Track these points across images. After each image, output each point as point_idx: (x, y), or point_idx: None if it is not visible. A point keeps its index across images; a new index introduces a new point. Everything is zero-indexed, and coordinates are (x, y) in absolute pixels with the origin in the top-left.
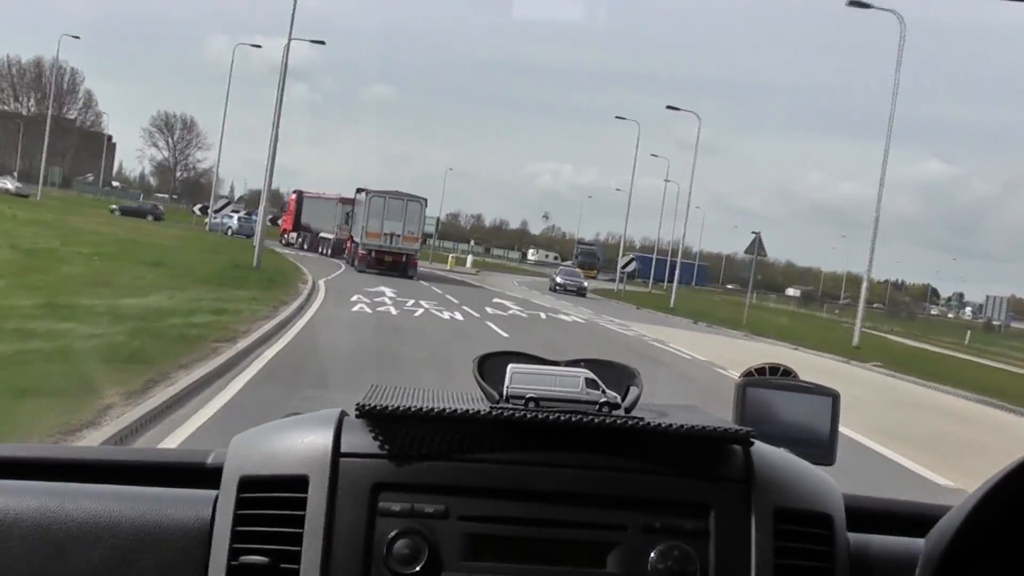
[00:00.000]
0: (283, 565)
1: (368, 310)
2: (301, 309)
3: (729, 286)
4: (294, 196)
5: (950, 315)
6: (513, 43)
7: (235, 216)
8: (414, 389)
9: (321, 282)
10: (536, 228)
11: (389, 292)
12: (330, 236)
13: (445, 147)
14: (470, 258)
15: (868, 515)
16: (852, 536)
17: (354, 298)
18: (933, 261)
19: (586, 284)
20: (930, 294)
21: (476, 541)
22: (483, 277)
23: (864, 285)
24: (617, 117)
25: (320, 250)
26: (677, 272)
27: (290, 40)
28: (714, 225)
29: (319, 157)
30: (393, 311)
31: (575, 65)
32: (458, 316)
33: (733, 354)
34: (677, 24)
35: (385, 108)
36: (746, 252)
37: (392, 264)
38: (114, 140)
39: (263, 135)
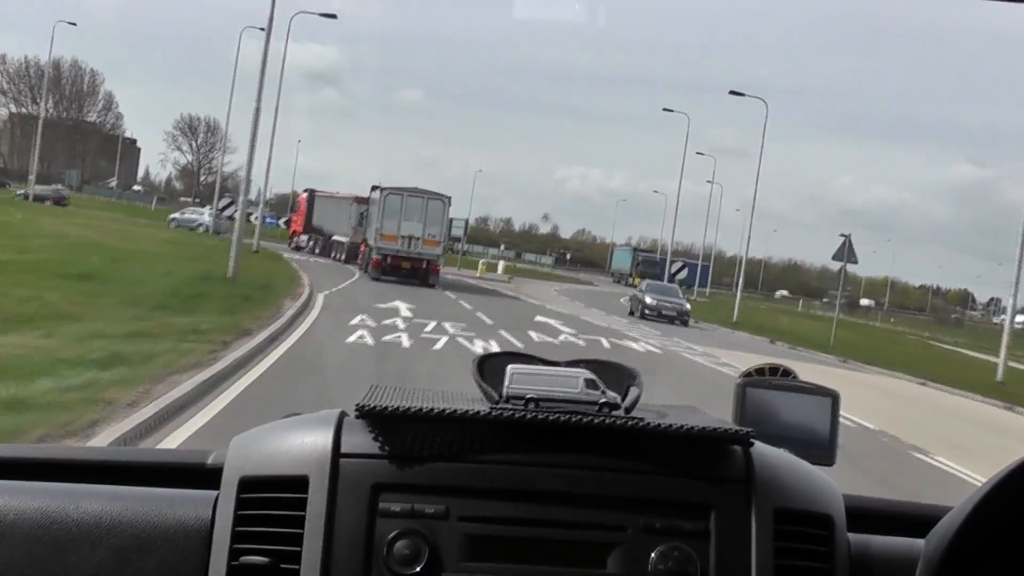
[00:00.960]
0: (283, 565)
1: (369, 340)
2: (272, 342)
3: (781, 293)
4: (305, 195)
5: (995, 320)
6: (542, 47)
7: (205, 212)
8: (414, 390)
9: (320, 296)
10: (567, 232)
11: (404, 309)
12: (344, 239)
13: (474, 150)
14: (501, 264)
15: (868, 516)
16: (852, 537)
17: (356, 320)
18: (968, 266)
19: (687, 307)
20: (969, 300)
21: (476, 542)
22: (517, 285)
23: (1010, 304)
24: (665, 110)
25: (333, 255)
26: (740, 281)
27: (293, 19)
28: (744, 228)
29: (348, 161)
30: (405, 341)
31: (605, 69)
32: (494, 347)
33: (893, 410)
34: (706, 29)
35: (414, 112)
36: (834, 258)
37: (411, 271)
38: (139, 145)
39: (292, 140)
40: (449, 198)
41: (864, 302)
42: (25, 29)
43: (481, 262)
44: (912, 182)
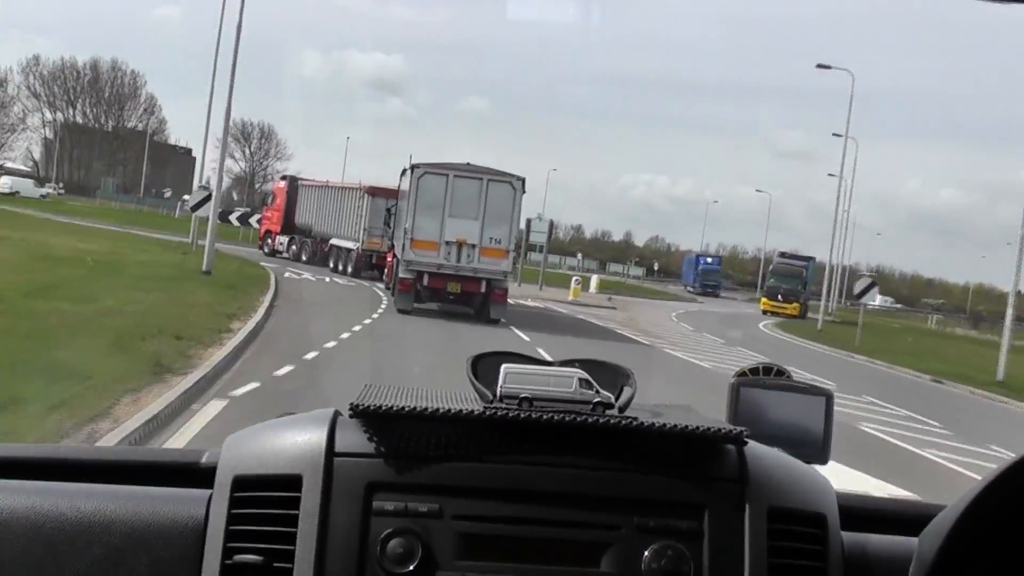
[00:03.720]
0: (277, 564)
1: None
2: None
3: (882, 300)
4: (283, 184)
5: None
6: (603, 54)
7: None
8: (408, 389)
9: (284, 373)
10: (640, 239)
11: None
12: (349, 245)
13: (539, 158)
14: (595, 280)
15: (862, 514)
16: (846, 535)
17: None
18: None
19: None
20: None
21: (470, 541)
22: (628, 313)
23: None
24: (819, 66)
25: (333, 264)
26: (869, 295)
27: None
28: (812, 234)
29: None
30: None
31: (670, 74)
32: None
33: None
34: (769, 34)
35: (479, 120)
36: None
37: (461, 297)
38: (194, 154)
39: (351, 149)
40: (522, 180)
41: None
42: (65, 33)
43: (574, 281)
44: (983, 183)
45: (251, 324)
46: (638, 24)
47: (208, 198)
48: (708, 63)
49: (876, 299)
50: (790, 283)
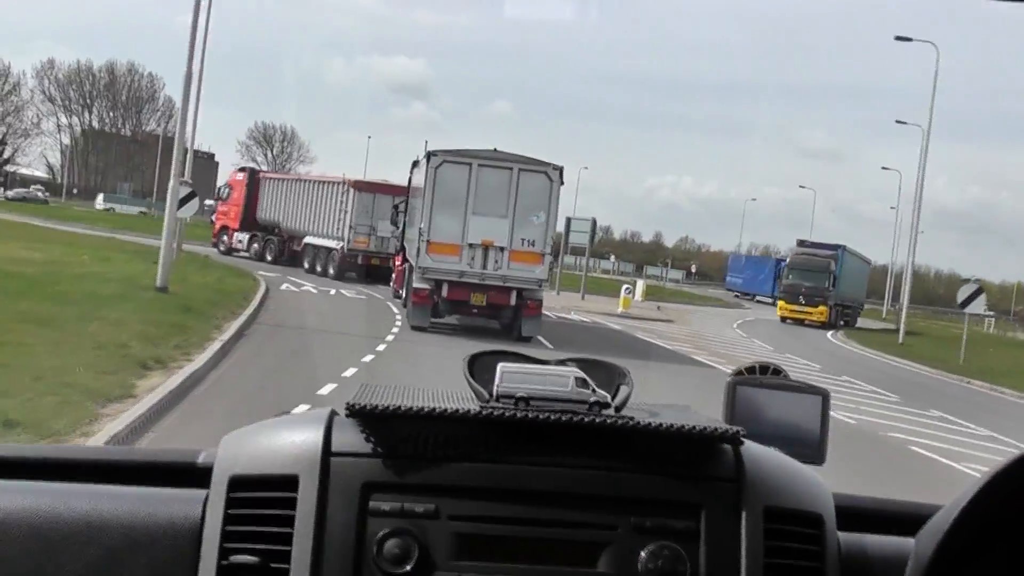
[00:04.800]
0: (273, 564)
1: None
2: None
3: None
4: (242, 176)
5: None
6: (629, 56)
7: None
8: (405, 388)
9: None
10: (670, 240)
11: None
12: (331, 244)
13: (564, 160)
14: (640, 285)
15: (858, 514)
16: (843, 535)
17: None
18: None
19: None
20: None
21: (467, 541)
22: (688, 327)
23: None
24: (898, 38)
25: (309, 265)
26: (975, 303)
27: None
28: (842, 233)
29: None
30: None
31: (694, 76)
32: None
33: None
34: (794, 31)
35: (504, 124)
36: None
37: (488, 310)
38: (217, 159)
39: (373, 155)
40: (559, 169)
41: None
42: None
43: (624, 291)
44: (1013, 181)
45: (177, 380)
46: (654, 25)
47: (192, 195)
48: (729, 62)
49: (982, 308)
50: (814, 280)
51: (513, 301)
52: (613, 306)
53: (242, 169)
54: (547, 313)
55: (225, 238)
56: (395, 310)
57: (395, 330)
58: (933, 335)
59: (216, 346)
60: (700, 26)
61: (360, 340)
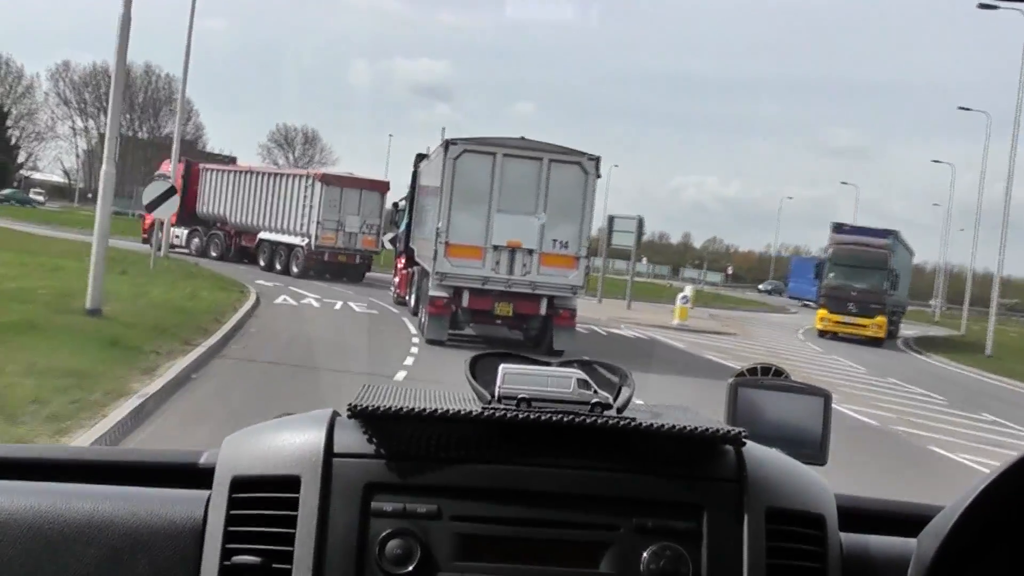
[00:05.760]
0: (275, 565)
1: None
2: None
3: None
4: (180, 165)
5: None
6: (650, 55)
7: None
8: (407, 389)
9: None
10: (698, 240)
11: None
12: (294, 240)
13: None
14: (688, 290)
15: (860, 515)
16: (844, 536)
17: None
18: None
19: None
20: None
21: (469, 541)
22: (751, 340)
23: None
24: (981, 6)
25: (266, 263)
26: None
27: None
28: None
29: None
30: None
31: (717, 74)
32: None
33: None
34: (815, 27)
35: (527, 125)
36: None
37: (514, 321)
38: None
39: (394, 157)
40: (596, 160)
41: None
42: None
43: (680, 299)
44: None
45: None
46: (666, 25)
47: (171, 191)
48: (752, 61)
49: None
50: (866, 279)
51: (543, 310)
52: (664, 316)
53: (184, 160)
54: (594, 327)
55: (158, 234)
56: (410, 326)
57: (410, 358)
58: (1007, 344)
59: (121, 414)
60: (719, 24)
61: (363, 379)
